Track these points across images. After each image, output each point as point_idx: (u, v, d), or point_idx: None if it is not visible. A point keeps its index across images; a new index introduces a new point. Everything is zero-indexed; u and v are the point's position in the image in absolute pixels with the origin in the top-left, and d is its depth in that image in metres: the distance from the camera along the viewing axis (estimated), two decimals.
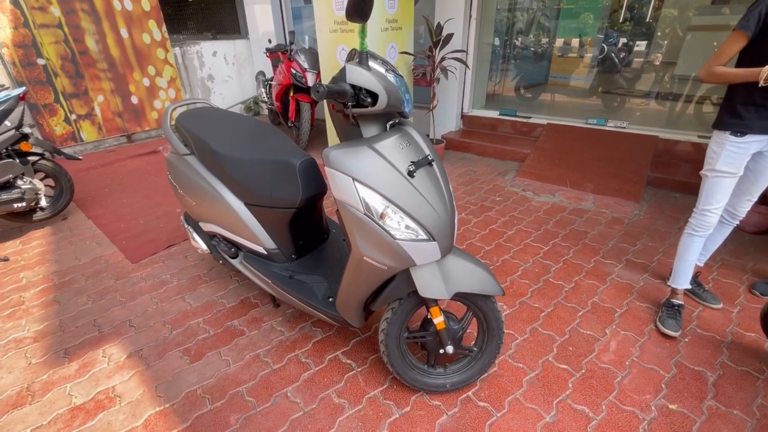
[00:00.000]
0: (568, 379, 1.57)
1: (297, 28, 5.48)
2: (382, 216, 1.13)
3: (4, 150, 2.39)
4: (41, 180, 2.67)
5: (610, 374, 1.58)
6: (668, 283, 1.85)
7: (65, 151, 2.95)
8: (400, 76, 1.21)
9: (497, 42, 5.00)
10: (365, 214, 1.12)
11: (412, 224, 1.15)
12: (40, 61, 3.90)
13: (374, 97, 1.07)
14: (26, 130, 2.49)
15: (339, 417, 1.44)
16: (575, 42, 5.25)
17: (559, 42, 5.28)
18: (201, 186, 1.72)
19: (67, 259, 2.44)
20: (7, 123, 2.36)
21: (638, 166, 3.22)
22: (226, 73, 5.64)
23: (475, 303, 1.39)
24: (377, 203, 1.12)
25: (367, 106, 1.08)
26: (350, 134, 1.22)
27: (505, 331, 1.81)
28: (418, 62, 3.64)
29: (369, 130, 1.21)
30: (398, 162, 1.15)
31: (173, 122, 1.87)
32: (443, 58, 3.53)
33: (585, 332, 1.80)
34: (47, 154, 2.68)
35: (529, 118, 4.18)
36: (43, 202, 2.66)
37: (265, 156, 1.63)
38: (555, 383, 1.55)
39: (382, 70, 1.11)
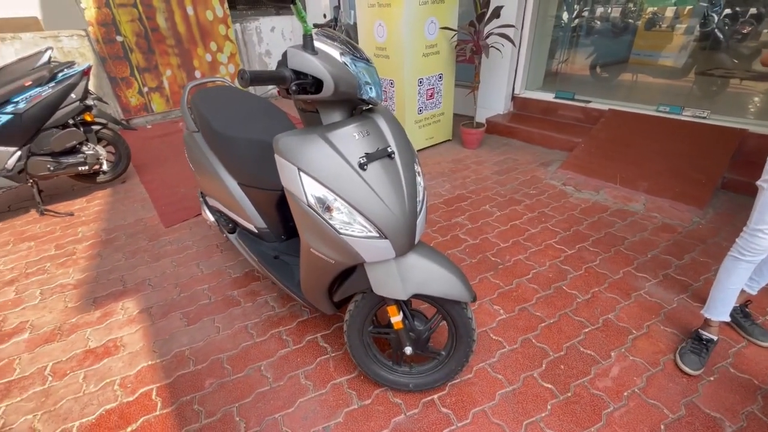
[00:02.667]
0: (549, 401, 1.42)
1: (350, 2, 5.40)
2: (327, 209, 1.09)
3: (71, 120, 2.74)
4: (103, 147, 3.03)
5: (600, 403, 1.41)
6: (702, 312, 1.56)
7: (138, 120, 3.30)
8: (366, 60, 1.13)
9: (565, 14, 4.45)
10: (309, 206, 1.09)
11: (360, 219, 1.10)
12: (119, 38, 4.35)
13: (320, 83, 1.01)
14: (89, 102, 2.81)
15: (301, 398, 1.48)
16: (669, 12, 4.48)
17: (647, 12, 4.54)
18: (203, 163, 1.81)
19: (116, 219, 2.77)
20: (72, 95, 2.68)
21: (712, 165, 2.71)
22: (283, 48, 5.80)
23: (443, 306, 1.31)
24: (321, 196, 1.07)
25: (313, 93, 1.03)
26: (311, 121, 1.18)
27: (494, 337, 1.69)
28: (462, 37, 3.39)
29: (329, 117, 1.15)
30: (351, 153, 1.08)
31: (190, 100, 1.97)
32: (489, 34, 3.23)
33: (585, 352, 1.61)
34: (109, 124, 3.01)
35: (589, 102, 3.71)
36: (105, 167, 3.03)
37: (258, 136, 1.65)
38: (532, 402, 1.42)
39: (335, 53, 1.03)
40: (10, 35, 3.84)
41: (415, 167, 1.25)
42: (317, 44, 1.04)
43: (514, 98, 4.13)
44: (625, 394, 1.43)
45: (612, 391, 1.45)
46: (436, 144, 3.83)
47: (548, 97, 3.96)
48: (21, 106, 2.50)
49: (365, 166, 1.09)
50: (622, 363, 1.55)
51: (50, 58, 2.91)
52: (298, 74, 1.01)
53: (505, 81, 3.92)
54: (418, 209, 1.21)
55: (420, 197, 1.23)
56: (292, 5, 0.94)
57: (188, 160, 2.02)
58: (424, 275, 1.21)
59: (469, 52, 3.26)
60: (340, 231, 1.10)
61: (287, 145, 1.10)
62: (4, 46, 3.82)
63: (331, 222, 1.09)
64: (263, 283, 2.08)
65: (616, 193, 2.75)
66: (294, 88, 1.00)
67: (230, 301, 1.97)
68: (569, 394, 1.44)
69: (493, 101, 4.08)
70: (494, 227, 2.47)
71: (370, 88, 1.12)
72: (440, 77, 3.48)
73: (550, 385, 1.48)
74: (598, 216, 2.52)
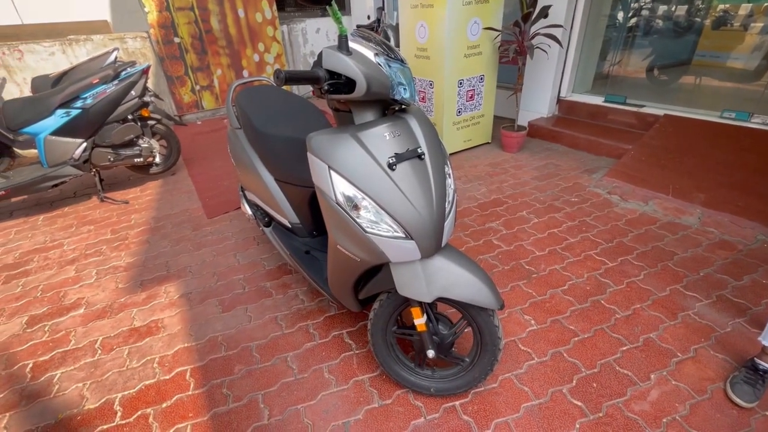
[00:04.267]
0: (578, 419, 1.35)
1: (394, 4, 5.42)
2: (355, 208, 1.10)
3: (130, 115, 2.96)
4: (157, 141, 3.25)
5: (635, 427, 1.32)
6: (759, 338, 1.42)
7: (189, 116, 3.51)
8: (400, 60, 1.13)
9: (620, 13, 4.20)
10: (337, 204, 1.11)
11: (387, 219, 1.10)
12: (176, 40, 4.64)
13: (353, 83, 1.02)
14: (147, 99, 3.03)
15: (323, 391, 1.51)
16: (743, 9, 4.10)
17: (716, 10, 4.19)
18: (244, 158, 1.89)
19: (164, 208, 2.96)
20: (132, 92, 2.90)
21: None
22: None
23: (468, 312, 1.28)
24: (350, 194, 1.09)
25: (345, 93, 1.04)
26: (344, 120, 1.20)
27: (523, 348, 1.63)
28: (506, 38, 3.30)
29: (362, 117, 1.17)
30: (380, 153, 1.09)
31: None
32: (535, 35, 3.12)
33: (621, 371, 1.51)
34: (162, 120, 3.23)
35: (642, 107, 3.49)
36: (157, 159, 3.25)
37: (295, 134, 1.70)
38: (559, 419, 1.36)
39: (369, 54, 1.04)
40: (83, 37, 4.22)
41: (446, 169, 1.24)
42: (352, 45, 1.06)
43: (559, 101, 3.96)
44: (665, 420, 1.33)
45: (649, 415, 1.35)
46: (475, 147, 3.76)
47: (597, 100, 3.76)
48: (89, 101, 2.74)
49: (394, 167, 1.09)
50: (662, 387, 1.44)
51: (116, 57, 3.17)
52: (332, 74, 1.03)
53: (550, 83, 3.77)
54: (447, 212, 1.20)
55: (449, 200, 1.21)
56: (327, 6, 0.96)
57: (230, 155, 2.12)
58: (449, 279, 1.19)
59: (513, 54, 3.17)
60: (367, 230, 1.10)
61: (319, 144, 1.12)
62: (78, 47, 4.20)
63: (358, 220, 1.10)
64: (295, 276, 2.14)
65: (667, 204, 2.56)
66: (327, 87, 1.02)
67: (263, 292, 2.04)
68: (600, 414, 1.36)
69: (537, 104, 3.94)
70: (530, 234, 2.38)
71: (404, 89, 1.12)
72: (481, 78, 3.41)
73: (580, 403, 1.40)
74: (645, 228, 2.36)
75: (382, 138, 1.11)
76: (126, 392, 1.55)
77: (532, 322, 1.76)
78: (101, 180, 3.14)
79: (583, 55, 3.81)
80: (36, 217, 2.96)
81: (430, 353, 1.32)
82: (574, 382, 1.48)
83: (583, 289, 1.93)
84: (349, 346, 1.70)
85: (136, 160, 3.07)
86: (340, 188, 1.09)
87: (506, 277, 2.04)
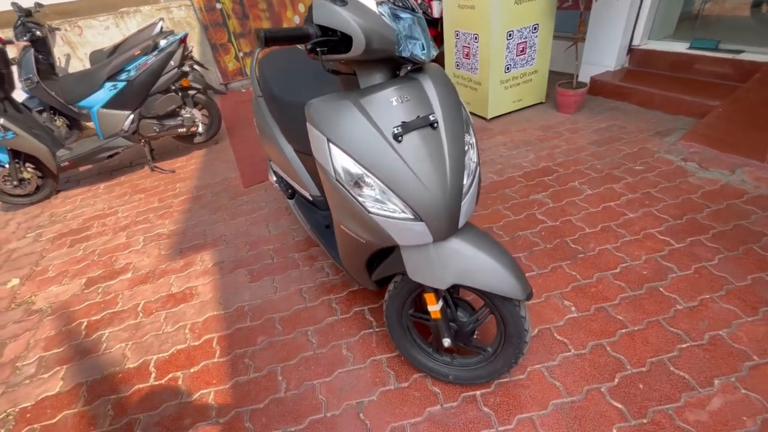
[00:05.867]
0: (616, 423, 1.20)
1: None
2: (358, 185, 0.98)
3: (171, 85, 3.02)
4: (199, 111, 3.31)
5: None
6: None
7: (234, 84, 3.55)
8: (411, 9, 0.95)
9: None
10: (337, 181, 1.00)
11: (393, 198, 0.97)
12: (218, 5, 4.62)
13: (349, 40, 0.87)
14: (185, 68, 3.06)
15: (340, 369, 1.48)
16: None
17: None
18: (265, 128, 1.83)
19: (206, 177, 3.06)
20: (171, 63, 2.94)
21: None
22: None
23: (491, 300, 1.15)
24: (351, 170, 0.97)
25: (342, 52, 0.90)
26: (348, 84, 1.06)
27: (558, 338, 1.47)
28: None
29: (368, 80, 1.02)
30: (385, 122, 0.95)
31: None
32: None
33: (676, 372, 1.30)
34: (202, 89, 3.27)
35: (740, 52, 2.86)
36: (200, 129, 3.33)
37: None
38: (593, 421, 1.21)
39: (369, 3, 0.88)
40: (133, 9, 4.35)
41: (467, 138, 1.07)
42: None
43: (631, 51, 3.39)
44: None
45: (707, 428, 1.15)
46: (526, 107, 3.38)
47: (681, 47, 3.16)
48: (132, 73, 2.83)
49: (400, 137, 0.94)
50: (728, 395, 1.22)
51: (162, 28, 3.22)
52: (324, 31, 0.89)
53: (620, 29, 3.22)
54: (465, 189, 1.04)
55: (469, 174, 1.05)
56: None
57: (255, 124, 2.07)
58: (467, 264, 1.06)
59: None
60: (370, 210, 0.99)
61: (317, 112, 1.00)
62: (129, 18, 4.35)
63: (360, 199, 0.99)
64: (320, 249, 2.11)
65: (760, 174, 2.12)
66: (316, 47, 0.88)
67: (290, 263, 2.04)
68: (644, 421, 1.19)
69: (603, 55, 3.41)
70: (581, 208, 2.11)
71: (416, 45, 0.95)
72: (535, 28, 2.99)
73: (620, 405, 1.24)
74: (726, 203, 1.98)
75: (388, 104, 0.96)
76: (161, 354, 1.65)
77: (573, 308, 1.57)
78: (152, 150, 3.30)
79: None
80: (98, 186, 3.22)
81: (446, 342, 1.22)
82: (616, 380, 1.30)
83: (638, 273, 1.68)
84: (370, 323, 1.65)
85: (179, 130, 3.17)
86: (341, 163, 0.98)
87: (547, 256, 1.84)
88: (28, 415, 1.50)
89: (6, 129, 2.65)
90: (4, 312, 2.05)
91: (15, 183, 2.91)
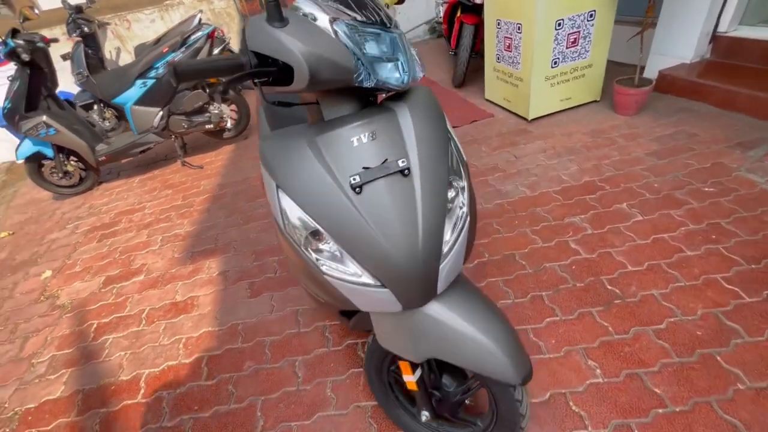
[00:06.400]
0: None
1: None
2: (310, 240, 0.82)
3: (199, 82, 3.02)
4: (228, 106, 3.30)
5: None
6: None
7: None
8: (381, 24, 0.75)
9: None
10: (289, 235, 0.84)
11: (350, 260, 0.80)
12: None
13: (291, 69, 0.69)
14: None
15: (320, 412, 1.36)
16: None
17: None
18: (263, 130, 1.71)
19: (230, 175, 3.05)
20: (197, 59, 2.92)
21: None
22: None
23: (482, 377, 0.95)
24: (302, 223, 0.80)
25: (284, 84, 0.72)
26: (314, 115, 0.89)
27: (574, 408, 1.22)
28: None
29: (333, 110, 0.84)
30: (343, 167, 0.76)
31: None
32: None
33: None
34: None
35: None
36: (228, 125, 3.32)
37: None
38: None
39: (321, 19, 0.69)
40: (176, 1, 4.42)
41: (458, 183, 0.86)
42: (299, 5, 0.72)
43: (715, 39, 2.82)
44: None
45: None
46: (575, 107, 2.97)
47: None
48: (161, 71, 2.85)
49: (359, 188, 0.76)
50: None
51: (200, 20, 3.20)
52: (263, 58, 0.71)
53: (703, 12, 2.67)
54: (447, 248, 0.83)
55: (454, 229, 0.84)
56: None
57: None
58: (447, 336, 0.86)
59: None
60: (325, 271, 0.82)
61: (269, 150, 0.84)
62: (172, 11, 4.44)
63: (312, 257, 0.83)
64: None
65: None
66: (252, 78, 0.72)
67: (291, 279, 1.94)
68: None
69: (677, 44, 2.87)
70: (626, 238, 1.78)
71: (385, 68, 0.75)
72: (591, 16, 2.56)
73: None
74: None
75: (348, 145, 0.77)
76: (152, 369, 1.64)
77: (598, 371, 1.31)
78: (183, 145, 3.36)
79: None
80: (134, 179, 3.35)
81: (424, 416, 1.04)
82: None
83: (690, 333, 1.36)
84: (360, 360, 1.50)
85: (207, 126, 3.18)
86: (291, 214, 0.81)
87: (575, 298, 1.56)
88: (29, 418, 1.56)
89: (48, 126, 2.80)
90: (33, 304, 2.18)
91: (60, 175, 3.10)
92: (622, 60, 3.31)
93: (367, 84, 0.74)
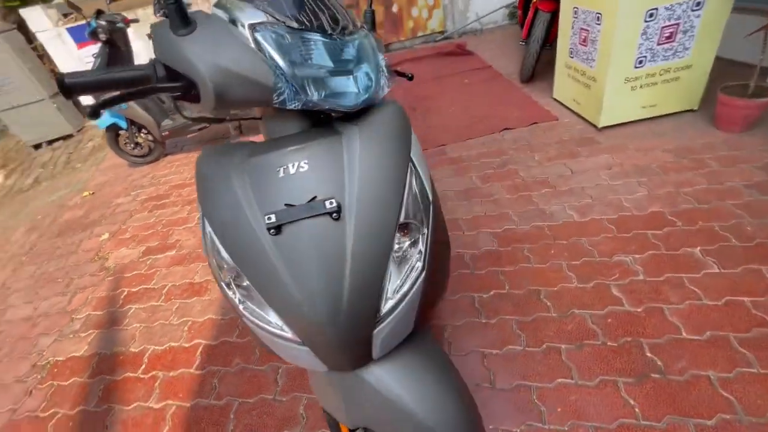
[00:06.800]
0: None
1: None
2: (232, 277, 0.72)
3: None
4: None
5: None
6: None
7: None
8: (320, 30, 0.60)
9: None
10: (211, 266, 0.74)
11: (267, 309, 0.69)
12: None
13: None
14: None
15: (287, 430, 1.31)
16: None
17: None
18: None
19: None
20: None
21: None
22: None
23: None
24: (223, 259, 0.70)
25: (195, 100, 0.62)
26: (269, 131, 0.77)
27: None
28: None
29: (276, 128, 0.73)
30: (263, 202, 0.65)
31: None
32: None
33: None
34: None
35: None
36: None
37: None
38: None
39: (241, 23, 0.57)
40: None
41: (416, 228, 0.69)
42: (225, 3, 0.60)
43: None
44: None
45: None
46: (660, 116, 2.45)
47: None
48: None
49: (277, 230, 0.64)
50: None
51: None
52: (172, 70, 0.61)
53: None
54: (387, 309, 0.68)
55: (397, 289, 0.69)
56: None
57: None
58: (384, 407, 0.73)
59: None
60: (245, 315, 0.72)
61: (200, 169, 0.75)
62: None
63: (236, 297, 0.73)
64: None
65: None
66: (159, 92, 0.62)
67: None
68: None
69: None
70: (688, 294, 1.42)
71: (336, 83, 0.62)
72: (697, 4, 2.05)
73: None
74: None
75: (272, 175, 0.65)
76: (157, 347, 1.72)
77: None
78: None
79: None
80: (193, 154, 3.58)
81: None
82: None
83: None
84: None
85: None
86: (212, 246, 0.72)
87: (602, 360, 1.28)
88: (55, 370, 1.75)
89: None
90: (88, 263, 2.44)
91: (132, 145, 3.42)
92: (737, 57, 2.65)
93: (291, 105, 0.60)
